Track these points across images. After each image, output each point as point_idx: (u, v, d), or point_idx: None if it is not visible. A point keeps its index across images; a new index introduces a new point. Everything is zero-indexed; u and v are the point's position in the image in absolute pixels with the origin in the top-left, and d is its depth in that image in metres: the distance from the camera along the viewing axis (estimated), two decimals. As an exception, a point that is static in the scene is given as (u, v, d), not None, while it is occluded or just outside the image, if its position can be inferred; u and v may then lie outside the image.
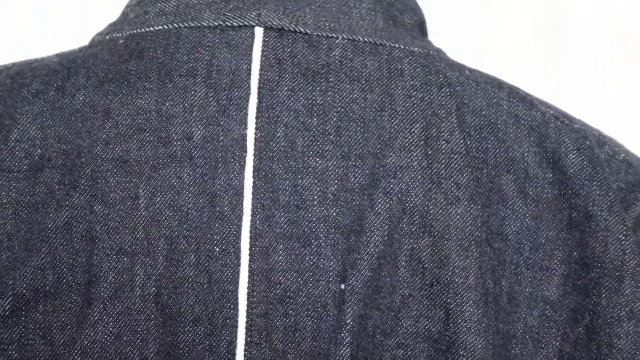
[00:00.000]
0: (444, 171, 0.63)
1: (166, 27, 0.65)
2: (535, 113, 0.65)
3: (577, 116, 0.71)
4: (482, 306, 0.61)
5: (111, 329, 0.61)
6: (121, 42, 0.65)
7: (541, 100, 0.68)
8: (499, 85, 0.66)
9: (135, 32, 0.66)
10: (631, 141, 0.97)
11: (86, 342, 0.61)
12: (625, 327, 0.62)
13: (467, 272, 0.62)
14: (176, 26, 0.65)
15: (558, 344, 0.63)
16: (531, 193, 0.64)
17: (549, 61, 1.27)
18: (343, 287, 0.62)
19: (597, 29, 1.27)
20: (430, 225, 0.62)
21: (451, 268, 0.62)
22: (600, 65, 1.28)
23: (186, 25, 0.65)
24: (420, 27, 0.69)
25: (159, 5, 0.66)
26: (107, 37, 0.67)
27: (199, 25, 0.65)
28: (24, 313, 0.62)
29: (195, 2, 0.66)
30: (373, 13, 0.66)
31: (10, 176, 0.62)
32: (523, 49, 1.26)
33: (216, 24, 0.65)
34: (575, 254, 0.63)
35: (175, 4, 0.66)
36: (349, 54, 0.64)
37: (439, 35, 0.77)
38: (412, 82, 0.65)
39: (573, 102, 1.15)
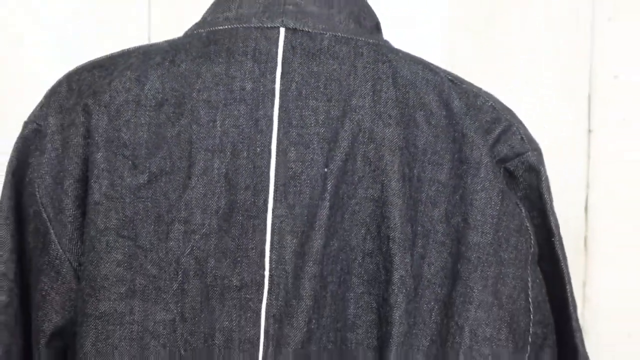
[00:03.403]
0: (382, 108, 0.84)
1: (229, 27, 0.87)
2: (436, 77, 0.87)
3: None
4: (401, 182, 0.83)
5: (201, 190, 0.82)
6: (204, 34, 0.88)
7: (444, 70, 0.90)
8: (417, 61, 0.89)
9: (211, 29, 0.88)
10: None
11: (188, 198, 0.82)
12: (480, 194, 0.84)
13: (393, 163, 0.83)
14: (236, 26, 0.87)
15: (445, 205, 0.84)
16: (433, 122, 0.85)
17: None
18: (326, 170, 0.83)
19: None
20: (374, 138, 0.84)
21: (384, 161, 0.83)
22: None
23: (241, 25, 0.86)
24: (377, 26, 0.92)
25: (225, 14, 0.88)
26: (195, 32, 0.89)
27: (249, 26, 0.86)
28: (154, 182, 0.82)
29: (246, 12, 0.87)
30: (347, 19, 0.88)
31: (145, 109, 0.84)
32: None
33: (258, 25, 0.86)
34: (456, 155, 0.84)
35: (234, 13, 0.88)
36: (333, 43, 0.86)
37: (390, 30, 1.00)
38: (367, 59, 0.86)
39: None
